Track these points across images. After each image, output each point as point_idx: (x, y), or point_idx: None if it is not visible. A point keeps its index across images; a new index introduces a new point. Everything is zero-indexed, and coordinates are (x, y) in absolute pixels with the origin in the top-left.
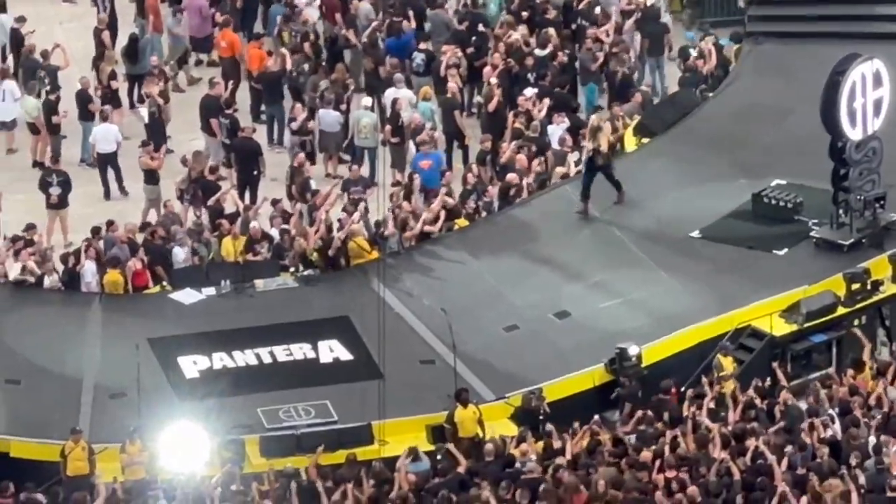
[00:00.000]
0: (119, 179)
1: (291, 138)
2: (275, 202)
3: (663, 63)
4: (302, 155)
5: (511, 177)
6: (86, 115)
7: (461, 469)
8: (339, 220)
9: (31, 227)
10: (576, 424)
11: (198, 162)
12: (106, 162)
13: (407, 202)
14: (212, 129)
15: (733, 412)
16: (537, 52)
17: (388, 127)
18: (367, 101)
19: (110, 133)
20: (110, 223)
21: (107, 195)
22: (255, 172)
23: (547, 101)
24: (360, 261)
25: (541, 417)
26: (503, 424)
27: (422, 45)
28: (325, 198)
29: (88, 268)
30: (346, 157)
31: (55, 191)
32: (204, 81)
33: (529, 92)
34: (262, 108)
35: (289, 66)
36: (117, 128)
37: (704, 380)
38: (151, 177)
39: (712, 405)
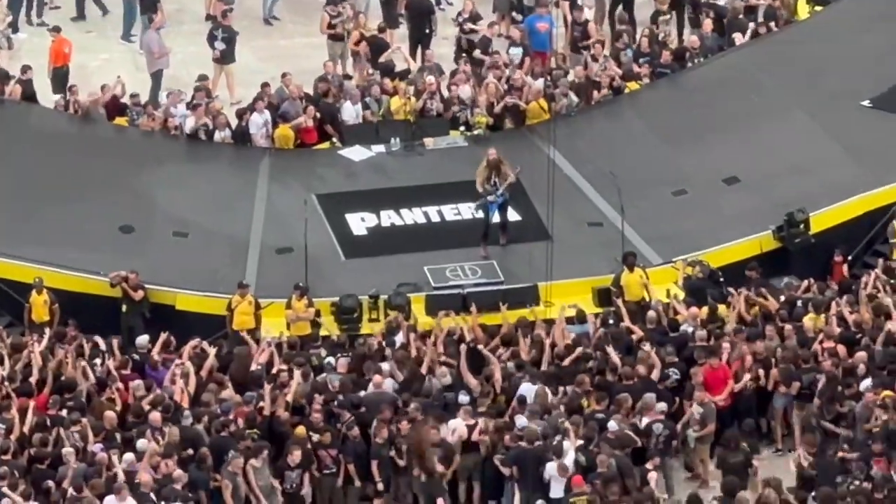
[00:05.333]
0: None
1: None
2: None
3: None
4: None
5: (693, 40)
6: None
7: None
8: (511, 81)
9: (203, 78)
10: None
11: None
12: None
13: (582, 67)
14: None
15: None
16: None
17: None
18: None
19: None
20: (284, 75)
21: None
22: (427, 31)
23: None
24: (536, 121)
25: (721, 280)
26: (669, 289)
27: None
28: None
29: (257, 122)
30: (519, 18)
31: (219, 45)
32: None
33: None
34: None
35: None
36: None
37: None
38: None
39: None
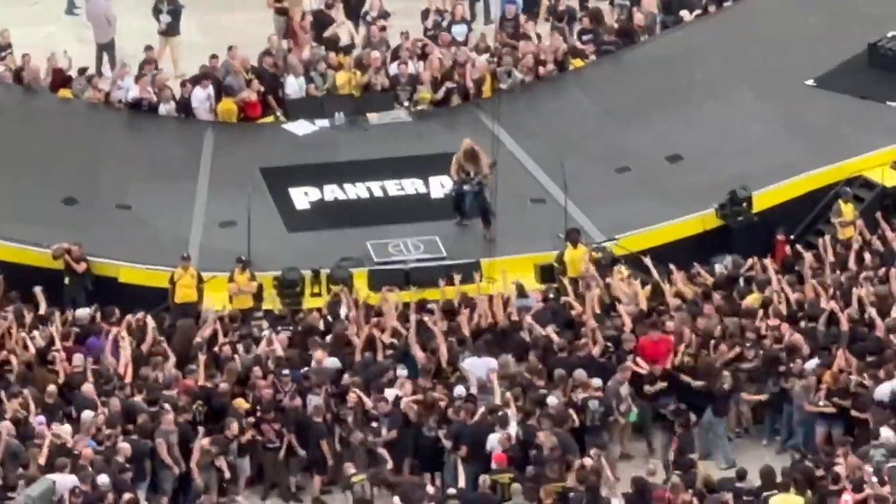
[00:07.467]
0: None
1: None
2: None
3: None
4: None
5: (639, 17)
6: None
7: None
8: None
9: (148, 48)
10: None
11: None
12: None
13: (527, 41)
14: None
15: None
16: None
17: None
18: None
19: None
20: (230, 49)
21: None
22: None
23: None
24: (488, 95)
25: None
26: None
27: None
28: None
29: (199, 95)
30: None
31: (165, 18)
32: None
33: None
34: None
35: None
36: None
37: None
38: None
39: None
